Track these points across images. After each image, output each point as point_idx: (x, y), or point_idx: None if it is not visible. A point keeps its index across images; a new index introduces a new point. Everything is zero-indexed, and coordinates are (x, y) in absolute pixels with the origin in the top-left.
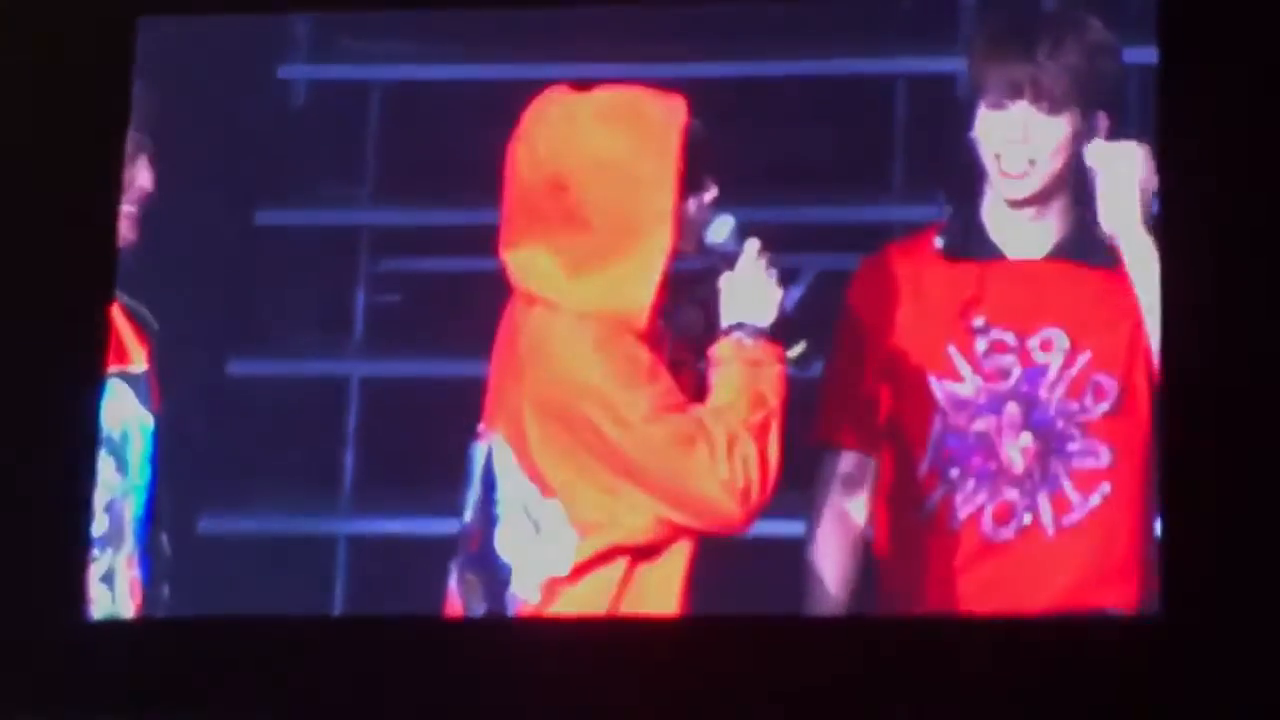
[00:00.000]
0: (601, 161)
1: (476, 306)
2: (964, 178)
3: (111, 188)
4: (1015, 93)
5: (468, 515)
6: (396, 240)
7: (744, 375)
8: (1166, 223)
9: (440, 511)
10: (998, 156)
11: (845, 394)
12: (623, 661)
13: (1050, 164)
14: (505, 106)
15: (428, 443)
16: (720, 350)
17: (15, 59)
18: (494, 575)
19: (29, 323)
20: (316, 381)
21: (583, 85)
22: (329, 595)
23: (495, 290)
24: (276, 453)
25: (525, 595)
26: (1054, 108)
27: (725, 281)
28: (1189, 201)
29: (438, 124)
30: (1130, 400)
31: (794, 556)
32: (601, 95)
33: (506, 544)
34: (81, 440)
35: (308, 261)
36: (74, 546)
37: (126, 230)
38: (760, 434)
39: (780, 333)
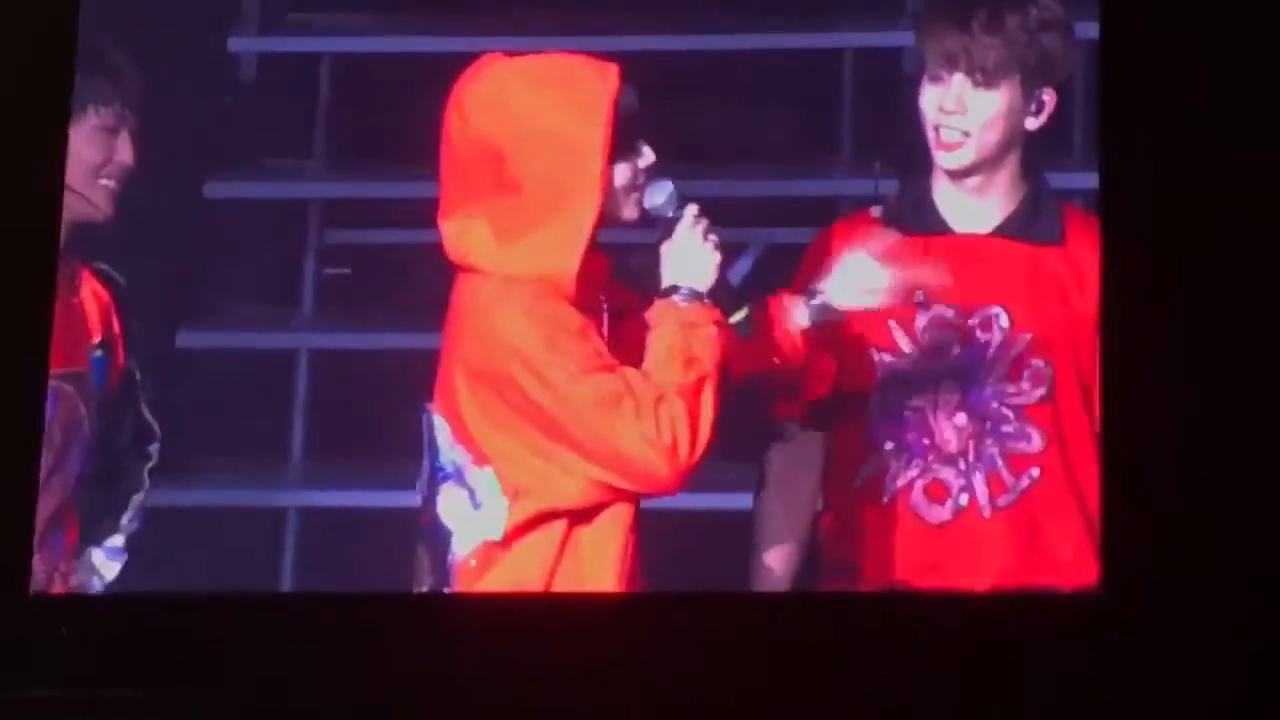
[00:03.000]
0: (532, 127)
1: (425, 279)
2: (912, 152)
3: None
4: (951, 65)
5: (419, 489)
6: (345, 212)
7: (677, 336)
8: (1108, 202)
9: (388, 484)
10: (936, 128)
11: (794, 363)
12: (560, 634)
13: (984, 136)
14: (453, 78)
15: (376, 415)
16: (655, 312)
17: None
18: (438, 543)
19: None
20: (265, 354)
21: (514, 52)
22: (277, 568)
23: (444, 263)
24: (225, 425)
25: (463, 557)
26: (988, 80)
27: (664, 246)
28: (1130, 181)
29: (386, 96)
30: (1064, 387)
31: (740, 530)
32: (532, 61)
33: (448, 512)
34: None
35: (257, 234)
36: (18, 522)
37: (104, 204)
38: (692, 394)
39: (719, 296)
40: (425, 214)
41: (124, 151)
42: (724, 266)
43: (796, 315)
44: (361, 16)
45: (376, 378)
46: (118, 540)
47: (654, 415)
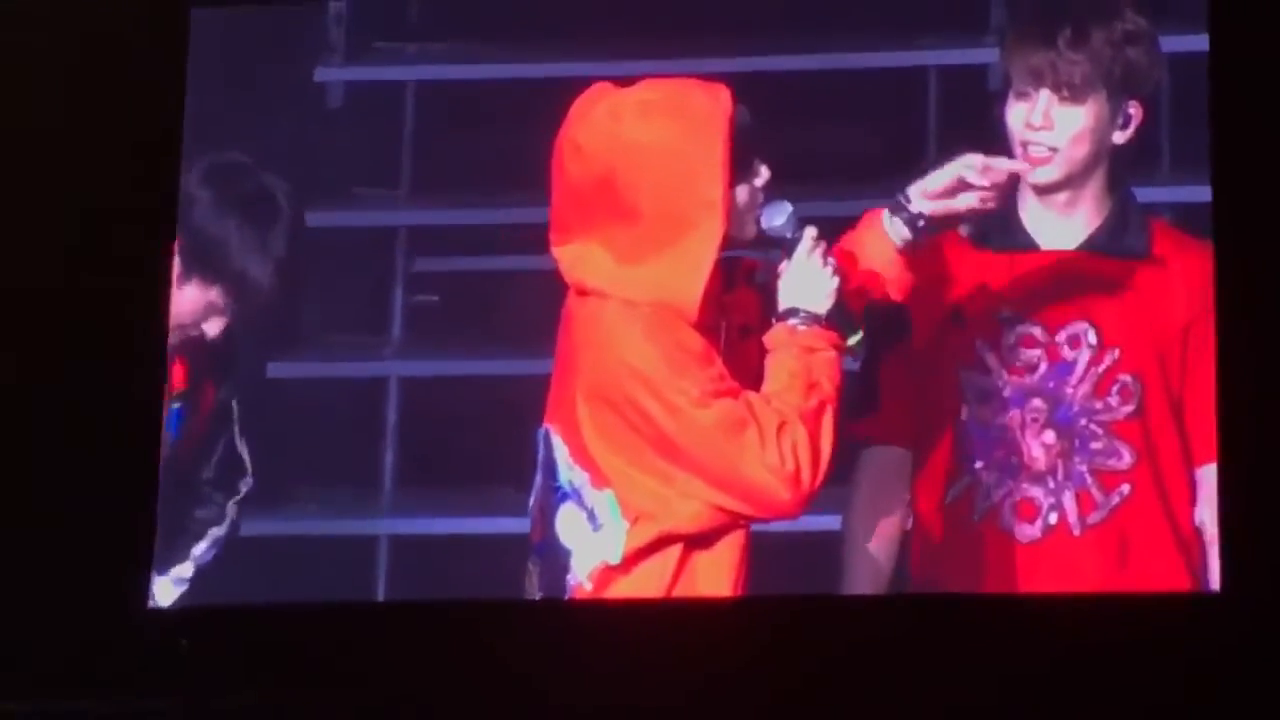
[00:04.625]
0: (649, 154)
1: (513, 305)
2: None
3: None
4: (1037, 80)
5: (531, 503)
6: (433, 240)
7: (797, 361)
8: (1220, 214)
9: (481, 510)
10: (1024, 144)
11: (883, 388)
12: (672, 645)
13: (1072, 151)
14: (537, 104)
15: (467, 441)
16: (774, 336)
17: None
18: (555, 561)
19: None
20: (356, 382)
21: (625, 80)
22: (371, 595)
23: (532, 288)
24: (317, 454)
25: (580, 580)
26: (1075, 95)
27: (782, 268)
28: (1244, 192)
29: (471, 123)
30: (1153, 401)
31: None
32: (645, 89)
33: (566, 531)
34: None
35: (346, 262)
36: (138, 541)
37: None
38: (813, 419)
39: (835, 320)
40: (513, 240)
41: (213, 328)
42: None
43: (891, 231)
44: (446, 44)
45: (467, 404)
46: (186, 570)
47: (777, 442)
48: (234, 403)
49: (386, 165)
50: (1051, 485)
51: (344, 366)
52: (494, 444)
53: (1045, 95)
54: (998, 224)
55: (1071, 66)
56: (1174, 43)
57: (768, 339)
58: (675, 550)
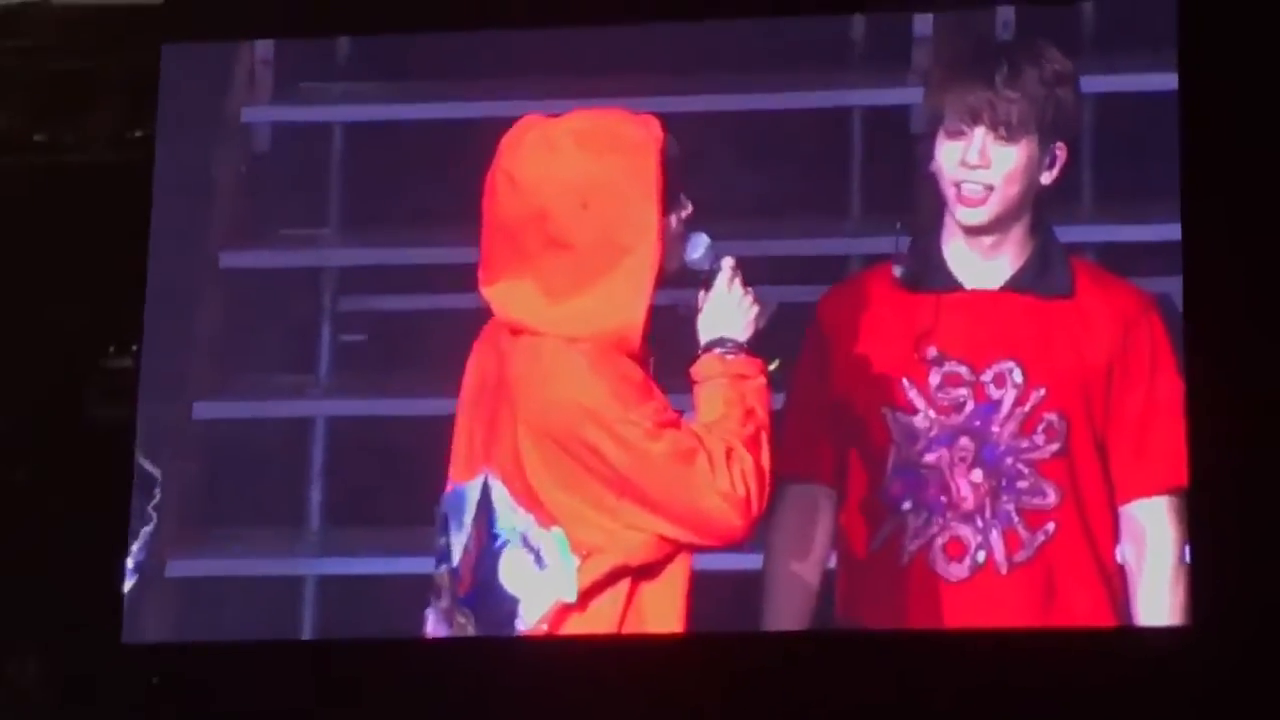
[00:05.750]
0: (584, 184)
1: (441, 344)
2: (925, 209)
3: None
4: (973, 118)
5: (456, 557)
6: (361, 279)
7: (731, 389)
8: (1190, 249)
9: (409, 550)
10: (956, 184)
11: (807, 427)
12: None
13: (1007, 190)
14: (466, 144)
15: (395, 481)
16: (703, 367)
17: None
18: (497, 609)
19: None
20: (283, 422)
21: (555, 112)
22: (297, 634)
23: (459, 327)
24: (243, 494)
25: (532, 625)
26: (1011, 134)
27: (703, 299)
28: (1212, 227)
29: (399, 162)
30: (1078, 440)
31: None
32: (578, 119)
33: (510, 577)
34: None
35: (273, 302)
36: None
37: None
38: (753, 445)
39: (756, 348)
40: (441, 279)
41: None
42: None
43: None
44: (373, 85)
45: (395, 443)
46: (129, 563)
47: (727, 468)
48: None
49: (314, 205)
50: (979, 524)
51: (271, 406)
52: (422, 483)
53: (981, 133)
54: (922, 264)
55: (1009, 105)
56: (1124, 82)
57: (696, 370)
58: (624, 583)
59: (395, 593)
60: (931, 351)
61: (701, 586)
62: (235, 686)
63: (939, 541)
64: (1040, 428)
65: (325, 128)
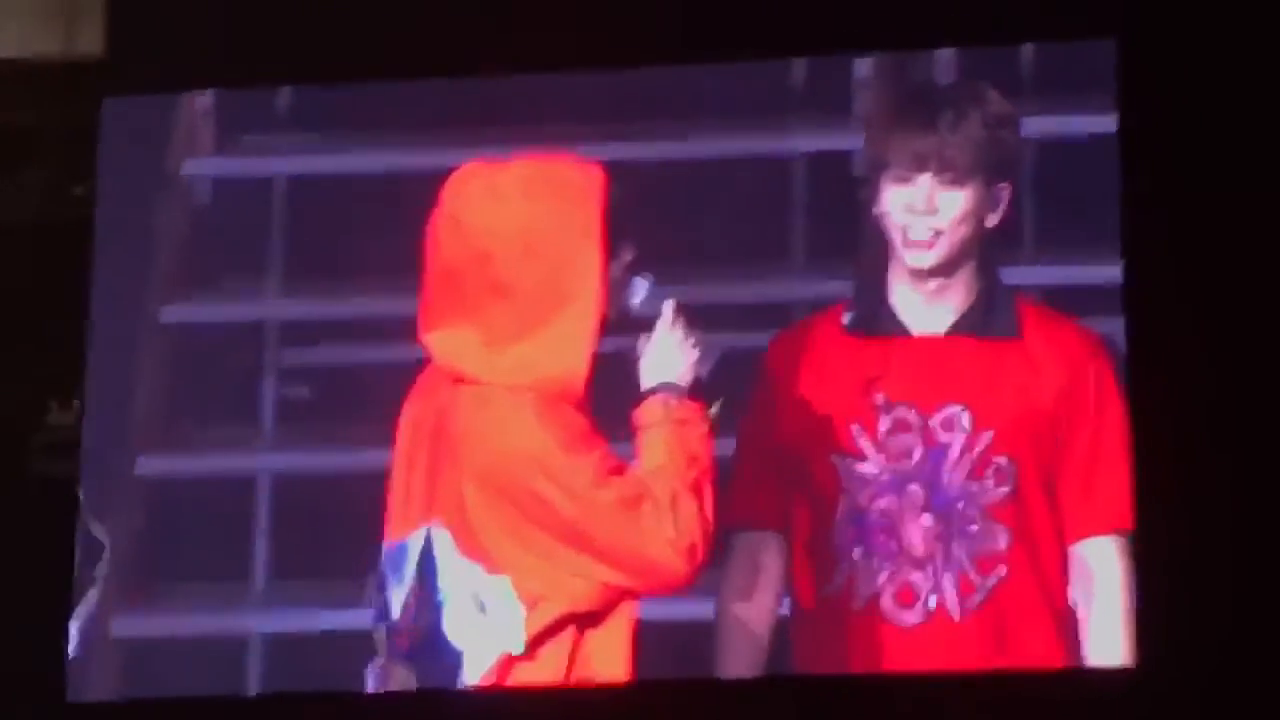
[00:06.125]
0: (527, 230)
1: (386, 396)
2: (870, 254)
3: None
4: (920, 165)
5: (395, 612)
6: (303, 332)
7: (674, 435)
8: (1131, 290)
9: (355, 605)
10: (904, 228)
11: (754, 473)
12: None
13: (955, 234)
14: (409, 193)
15: (341, 536)
16: (646, 412)
17: None
18: (440, 664)
19: None
20: (227, 477)
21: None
22: (243, 690)
23: (404, 379)
24: (187, 551)
25: (477, 677)
26: (957, 179)
27: (642, 344)
28: (1154, 268)
29: (342, 214)
30: (1026, 482)
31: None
32: (522, 166)
33: (454, 629)
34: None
35: (215, 356)
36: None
37: None
38: (697, 492)
39: (698, 393)
40: (384, 331)
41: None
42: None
43: None
44: (315, 136)
45: (340, 498)
46: (75, 625)
47: (673, 515)
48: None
49: (256, 258)
50: (930, 570)
51: (215, 461)
52: (369, 536)
53: (927, 179)
54: (869, 309)
55: (954, 150)
56: (1064, 124)
57: (638, 416)
58: (570, 631)
59: (343, 647)
60: (880, 398)
61: (647, 634)
62: None
63: (890, 588)
64: (989, 471)
65: (266, 180)
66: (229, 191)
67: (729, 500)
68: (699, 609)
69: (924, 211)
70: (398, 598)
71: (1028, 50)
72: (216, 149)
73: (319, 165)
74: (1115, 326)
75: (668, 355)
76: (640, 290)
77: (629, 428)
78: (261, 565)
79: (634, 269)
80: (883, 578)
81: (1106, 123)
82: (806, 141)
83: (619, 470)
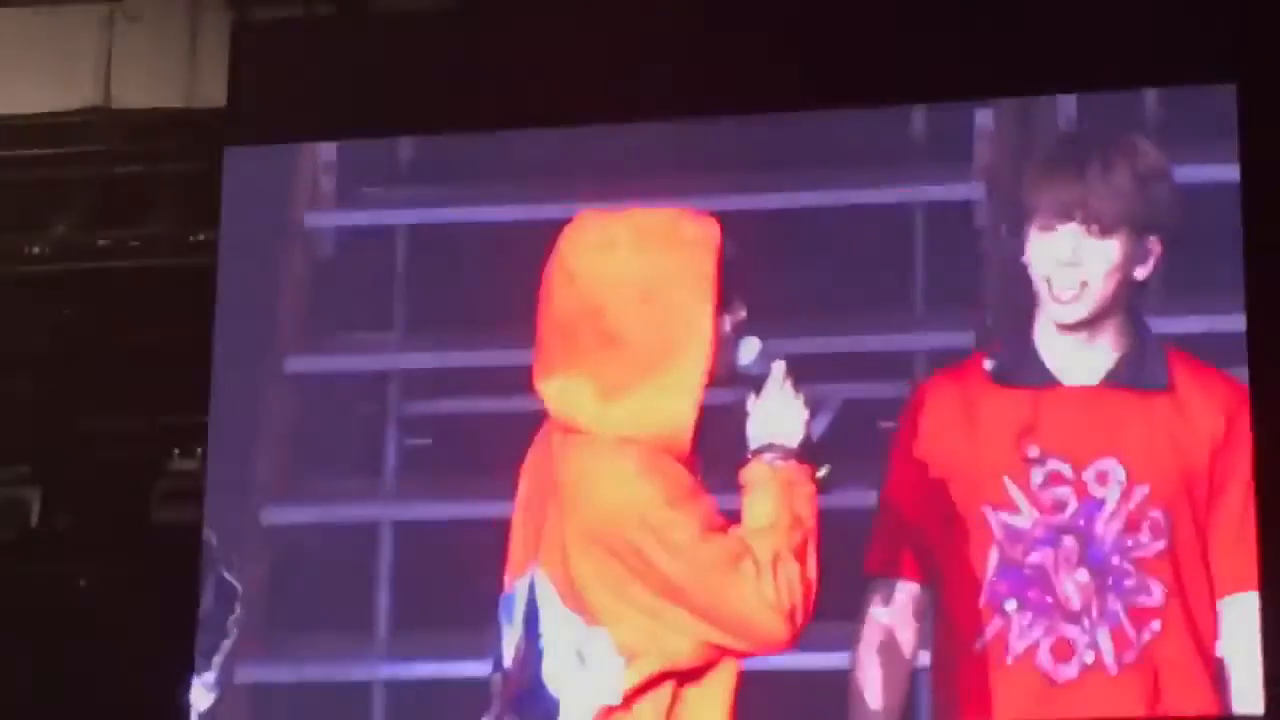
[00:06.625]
0: (639, 282)
1: (506, 446)
2: (1014, 302)
3: None
4: (1065, 215)
5: (507, 660)
6: (425, 382)
7: (780, 496)
8: (1254, 343)
9: (476, 654)
10: (1048, 279)
11: (898, 524)
12: None
13: (1103, 286)
14: (529, 244)
15: (462, 585)
16: (753, 472)
17: None
18: (540, 710)
19: None
20: (350, 526)
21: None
22: None
23: (525, 429)
24: (312, 599)
25: None
26: (1104, 230)
27: (753, 403)
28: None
29: (463, 264)
30: (1180, 535)
31: (838, 687)
32: (638, 216)
33: (552, 677)
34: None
35: (339, 406)
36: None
37: None
38: (800, 554)
39: (806, 454)
40: (505, 381)
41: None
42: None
43: None
44: (435, 188)
45: (461, 547)
46: (209, 677)
47: (773, 577)
48: (214, 540)
49: (378, 309)
50: (1086, 624)
51: (338, 511)
52: (489, 586)
53: (1073, 229)
54: (1015, 358)
55: (1102, 200)
56: (1186, 173)
57: (744, 475)
58: (668, 686)
59: (463, 697)
60: (1033, 450)
61: (749, 688)
62: None
63: (1046, 642)
64: (1145, 525)
65: (388, 230)
66: (351, 243)
67: (871, 549)
68: (805, 660)
69: (1069, 262)
70: (510, 644)
71: (1150, 97)
72: (338, 200)
73: (440, 216)
74: (1239, 375)
75: (777, 415)
76: (752, 349)
77: (735, 486)
78: (384, 614)
79: (747, 324)
80: (1037, 632)
81: (1229, 171)
82: (927, 192)
83: (722, 528)
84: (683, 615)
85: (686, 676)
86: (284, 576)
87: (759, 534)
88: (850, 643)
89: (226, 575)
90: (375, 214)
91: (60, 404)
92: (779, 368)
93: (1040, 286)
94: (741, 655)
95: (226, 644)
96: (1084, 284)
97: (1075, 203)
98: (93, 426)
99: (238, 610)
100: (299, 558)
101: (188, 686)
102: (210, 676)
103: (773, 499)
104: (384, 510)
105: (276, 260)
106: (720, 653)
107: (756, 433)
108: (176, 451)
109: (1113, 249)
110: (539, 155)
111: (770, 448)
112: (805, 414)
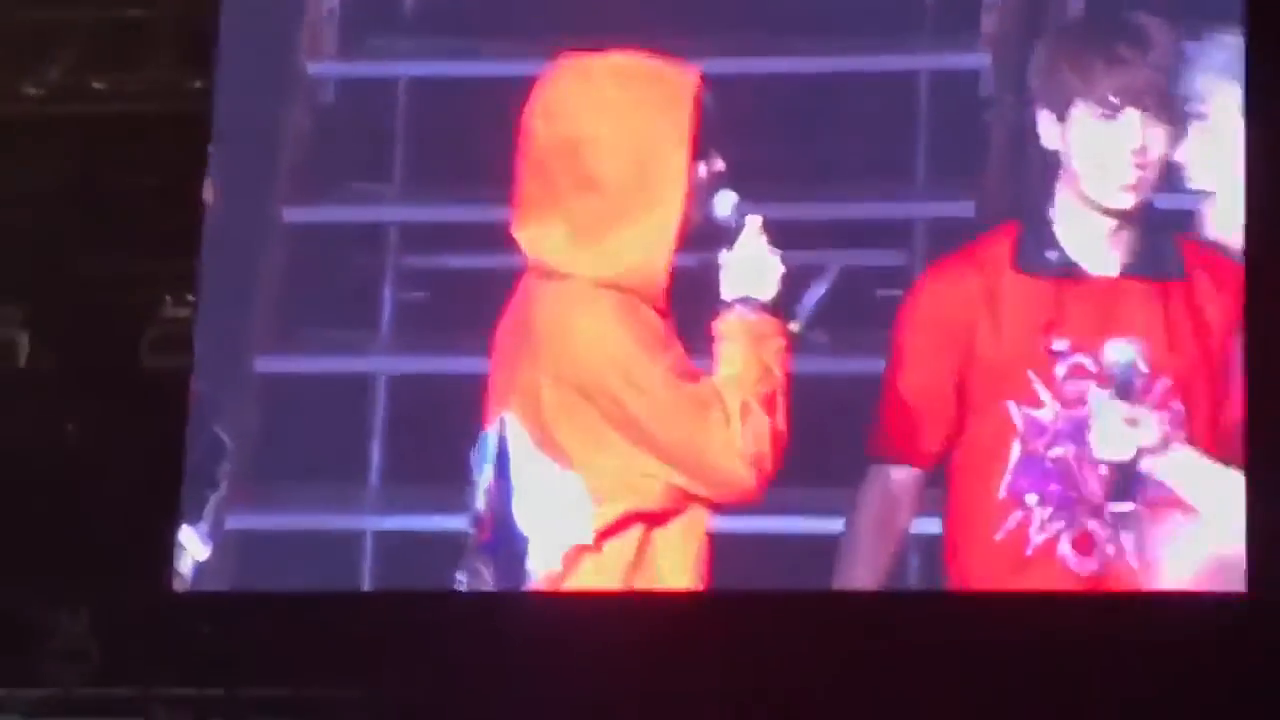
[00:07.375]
0: (616, 120)
1: (502, 302)
2: (1037, 186)
3: None
4: (1131, 99)
5: (479, 502)
6: (423, 236)
7: (750, 349)
8: (1251, 223)
9: (467, 508)
10: (1101, 165)
11: (906, 409)
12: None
13: (1156, 173)
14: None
15: (455, 438)
16: (724, 325)
17: None
18: (510, 551)
19: None
20: (344, 378)
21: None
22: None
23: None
24: (303, 449)
25: (545, 566)
26: (1165, 115)
27: (726, 256)
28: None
29: (464, 120)
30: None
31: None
32: (617, 58)
33: (523, 517)
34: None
35: (336, 257)
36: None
37: None
38: (769, 405)
39: (779, 308)
40: (502, 237)
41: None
42: (800, 289)
43: None
44: (439, 41)
45: (454, 400)
46: (204, 528)
47: (742, 425)
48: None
49: (378, 161)
50: (1108, 518)
51: (333, 362)
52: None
53: (1137, 115)
54: (1039, 247)
55: (1163, 85)
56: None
57: (717, 327)
58: (638, 529)
59: (453, 550)
60: (1059, 344)
61: (720, 548)
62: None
63: (1067, 535)
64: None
65: (390, 81)
66: (352, 93)
67: (874, 430)
68: (774, 524)
69: (1136, 148)
70: (481, 487)
71: None
72: (340, 50)
73: (443, 69)
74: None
75: (751, 268)
76: (727, 202)
77: (708, 340)
78: (376, 465)
79: (726, 179)
80: (1059, 524)
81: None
82: (932, 60)
83: (693, 375)
84: (650, 459)
85: (655, 519)
86: (276, 426)
87: (729, 383)
88: (831, 510)
89: (216, 430)
90: (377, 65)
91: (54, 246)
92: (753, 221)
93: (1085, 171)
94: (709, 503)
95: (216, 496)
96: (1142, 169)
97: (1143, 88)
98: (86, 269)
99: (227, 465)
100: (292, 408)
101: (175, 530)
102: (204, 527)
103: (743, 350)
104: (379, 362)
105: (275, 109)
106: (688, 498)
107: (730, 286)
108: (169, 298)
109: (1169, 135)
110: (542, 11)
111: (744, 301)
112: (779, 267)
